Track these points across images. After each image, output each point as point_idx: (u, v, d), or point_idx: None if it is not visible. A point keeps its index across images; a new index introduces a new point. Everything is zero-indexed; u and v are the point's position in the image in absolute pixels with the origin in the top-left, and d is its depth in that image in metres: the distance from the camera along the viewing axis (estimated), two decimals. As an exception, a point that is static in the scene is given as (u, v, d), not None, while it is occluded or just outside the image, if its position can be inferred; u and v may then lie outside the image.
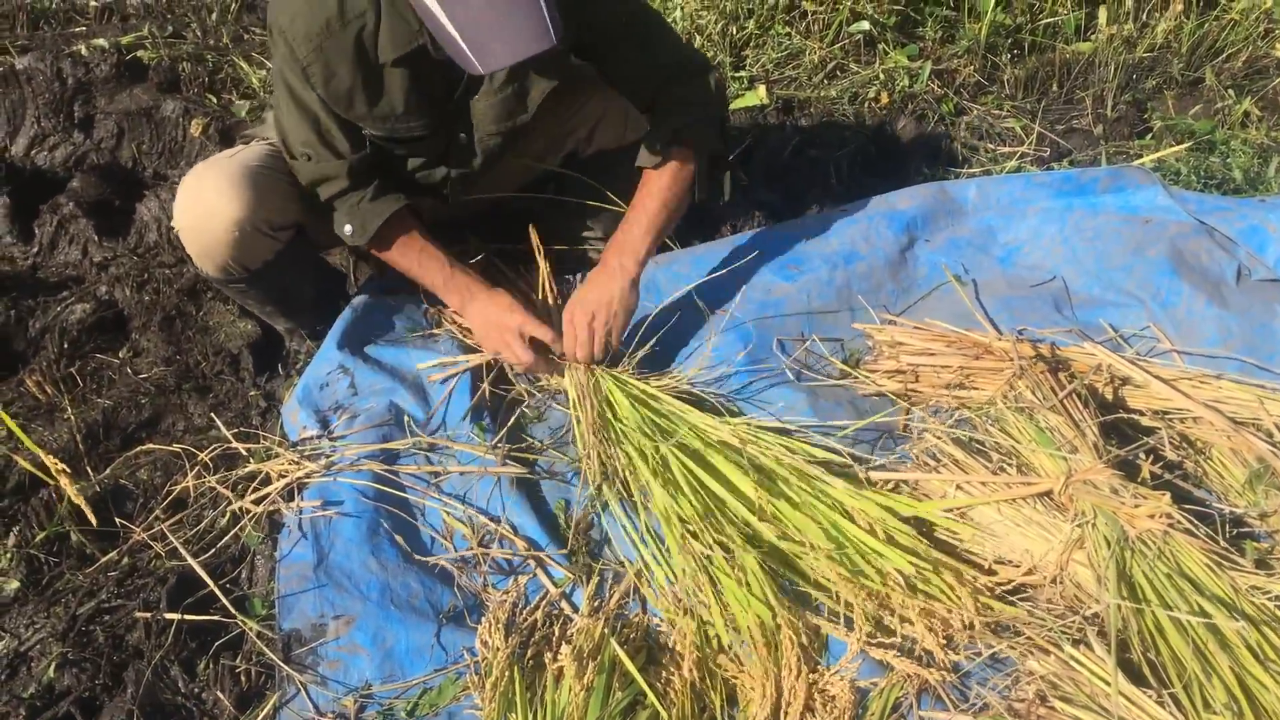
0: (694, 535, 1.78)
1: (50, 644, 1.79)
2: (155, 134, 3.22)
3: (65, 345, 2.45)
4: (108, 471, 2.13)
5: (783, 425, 2.05)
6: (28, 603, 1.87)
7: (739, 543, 1.75)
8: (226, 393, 2.35)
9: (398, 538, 1.92)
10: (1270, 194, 2.60)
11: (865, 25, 3.45)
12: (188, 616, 1.81)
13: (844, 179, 3.00)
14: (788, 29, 3.53)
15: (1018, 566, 1.75)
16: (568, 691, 1.60)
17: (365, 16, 1.91)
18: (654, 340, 2.24)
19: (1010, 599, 1.70)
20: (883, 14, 3.48)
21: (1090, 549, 1.66)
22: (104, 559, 1.94)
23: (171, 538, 1.94)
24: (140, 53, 3.51)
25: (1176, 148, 2.81)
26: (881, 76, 3.33)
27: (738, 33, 3.54)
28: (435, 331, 2.39)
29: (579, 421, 2.07)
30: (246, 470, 2.06)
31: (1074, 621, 1.60)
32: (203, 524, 1.99)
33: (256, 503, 2.00)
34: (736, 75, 3.41)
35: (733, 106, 3.24)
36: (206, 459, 2.09)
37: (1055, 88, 3.30)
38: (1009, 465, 1.86)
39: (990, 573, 1.76)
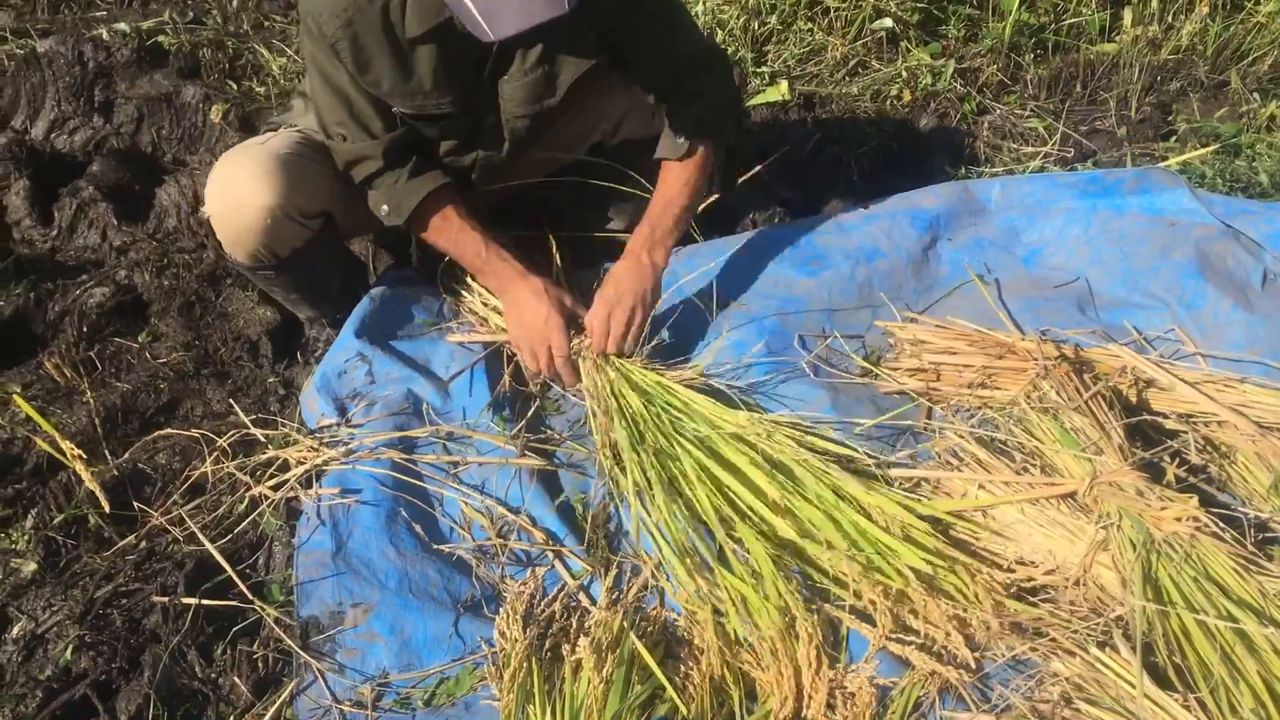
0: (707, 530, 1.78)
1: (67, 627, 1.79)
2: (175, 119, 3.22)
3: (84, 329, 2.45)
4: (126, 456, 2.13)
5: (797, 421, 2.02)
6: (45, 585, 1.87)
7: (750, 537, 1.74)
8: (245, 379, 2.35)
9: (416, 526, 1.92)
10: (1297, 198, 2.58)
11: (888, 23, 3.43)
12: (205, 601, 1.81)
13: (865, 176, 2.98)
14: (810, 25, 3.52)
15: (1039, 566, 1.74)
16: (586, 683, 1.59)
17: None
18: (665, 331, 2.25)
19: (1032, 600, 1.69)
20: (905, 11, 3.46)
21: (1115, 551, 1.65)
22: (122, 543, 1.94)
23: (190, 522, 1.94)
24: (161, 38, 3.52)
25: (1202, 150, 2.79)
26: (904, 74, 3.31)
27: (759, 28, 3.52)
28: (453, 324, 2.38)
29: (594, 414, 2.06)
30: (265, 456, 2.06)
31: (1098, 623, 1.59)
32: (221, 510, 1.99)
33: (275, 489, 2.00)
34: (758, 71, 3.40)
35: (754, 102, 3.23)
36: (225, 445, 2.09)
37: (1079, 88, 3.27)
38: (1032, 466, 1.85)
39: (1010, 572, 1.75)
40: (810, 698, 1.54)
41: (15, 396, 2.11)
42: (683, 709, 1.56)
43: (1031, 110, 3.19)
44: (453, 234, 2.19)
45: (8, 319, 2.47)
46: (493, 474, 2.03)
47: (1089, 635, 1.57)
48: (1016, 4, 3.37)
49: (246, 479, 2.02)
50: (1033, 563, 1.76)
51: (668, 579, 1.77)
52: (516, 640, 1.67)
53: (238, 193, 2.08)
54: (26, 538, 1.95)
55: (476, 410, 2.14)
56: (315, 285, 2.37)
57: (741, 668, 1.64)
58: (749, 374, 2.21)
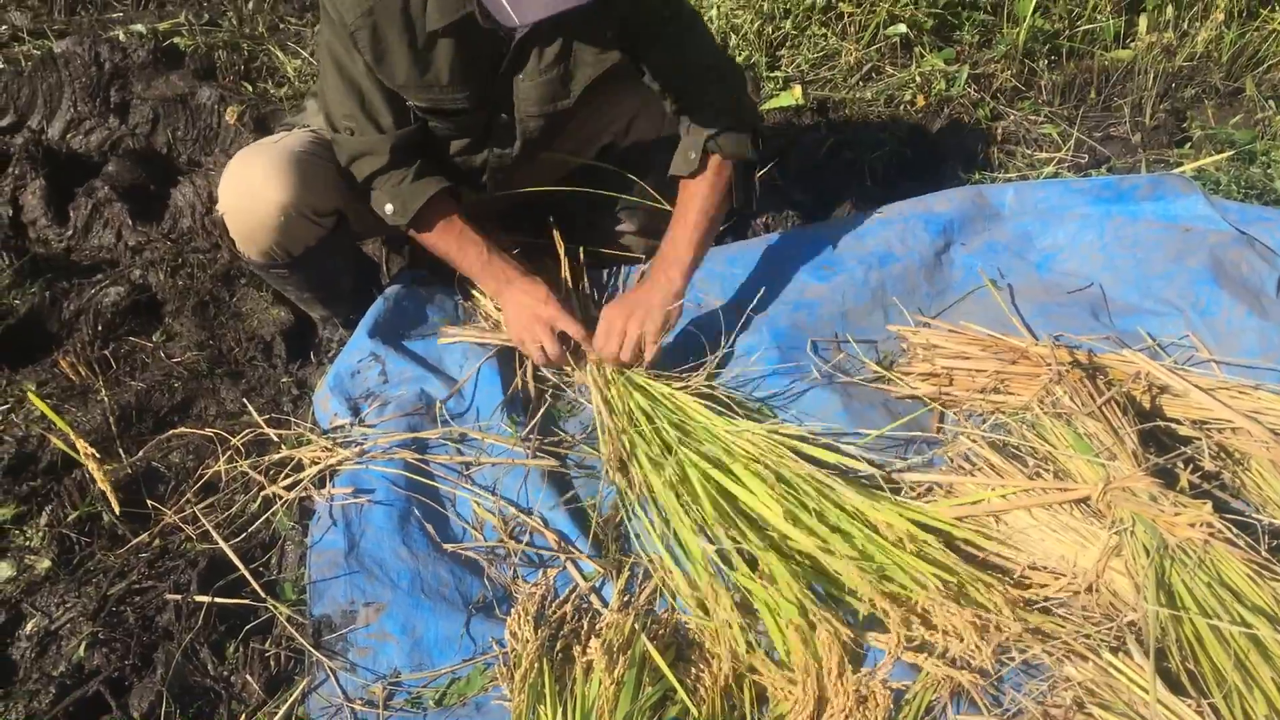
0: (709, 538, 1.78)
1: (81, 623, 1.80)
2: (190, 120, 3.23)
3: (99, 327, 2.46)
4: (140, 454, 2.13)
5: (802, 433, 2.01)
6: (59, 582, 1.87)
7: (756, 544, 1.74)
8: (259, 379, 2.36)
9: (428, 527, 1.92)
10: (1312, 206, 2.57)
11: (902, 28, 3.43)
12: (218, 600, 1.81)
13: (878, 181, 2.99)
14: (824, 30, 3.52)
15: (1052, 573, 1.73)
16: (597, 685, 1.59)
17: None
18: (673, 336, 2.26)
19: (1045, 605, 1.68)
20: (919, 17, 3.46)
21: (1128, 557, 1.64)
22: (135, 540, 1.94)
23: (203, 521, 1.95)
24: (177, 39, 3.54)
25: (1217, 157, 2.79)
26: (918, 79, 3.31)
27: (773, 32, 3.53)
28: (449, 328, 2.38)
29: (601, 421, 2.07)
30: (278, 456, 2.07)
31: (1111, 629, 1.59)
32: (234, 508, 2.00)
33: (288, 489, 2.00)
34: (772, 75, 3.40)
35: (768, 106, 3.23)
36: (238, 444, 2.10)
37: (1093, 95, 3.27)
38: (1045, 471, 1.84)
39: (1022, 582, 1.74)
40: (835, 697, 1.54)
41: (30, 394, 2.12)
42: (694, 711, 1.57)
43: (1046, 116, 3.18)
44: (455, 238, 2.20)
45: (23, 318, 2.48)
46: (505, 475, 2.03)
47: (1102, 640, 1.56)
48: (1031, 10, 3.37)
49: (260, 478, 2.03)
50: (1045, 568, 1.76)
51: (683, 573, 1.77)
52: (528, 641, 1.67)
53: (251, 191, 2.09)
54: (41, 535, 1.96)
55: (489, 411, 2.14)
56: (328, 284, 2.38)
57: (754, 675, 1.64)
58: (761, 379, 2.21)
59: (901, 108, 3.25)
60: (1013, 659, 1.59)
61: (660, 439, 1.96)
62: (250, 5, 3.87)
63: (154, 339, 2.47)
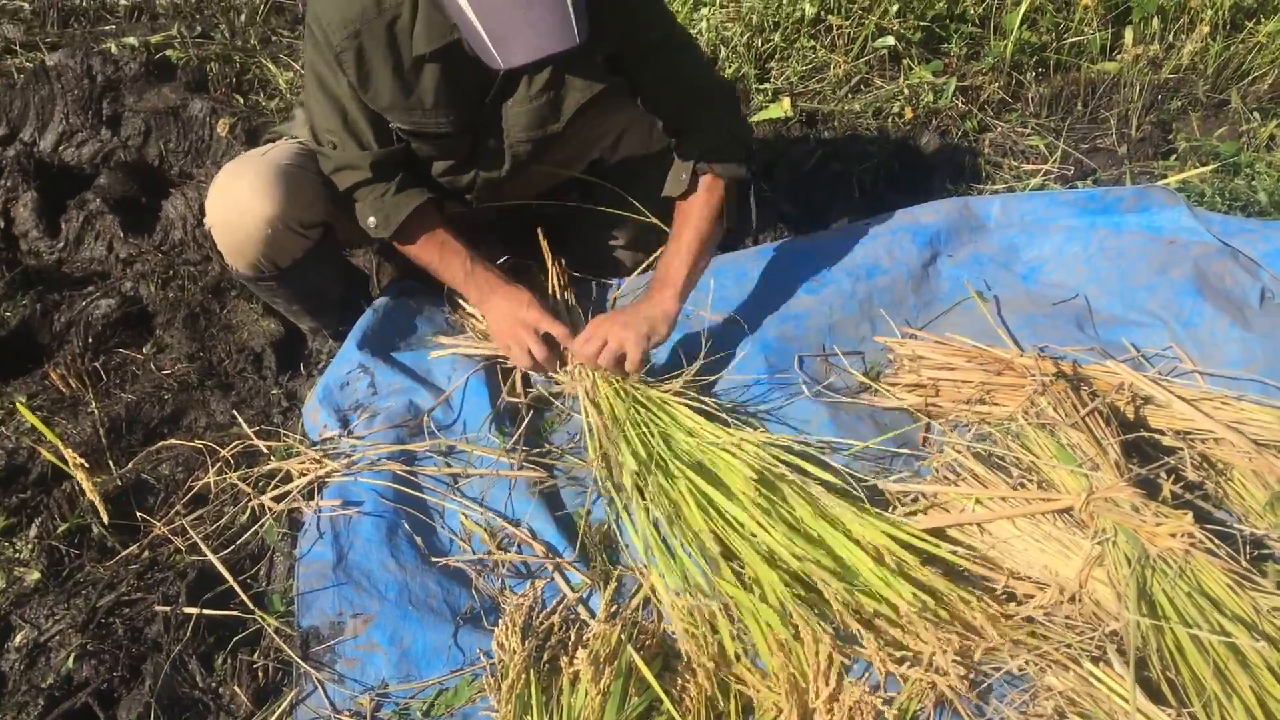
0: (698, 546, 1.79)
1: (70, 635, 1.81)
2: (182, 132, 3.24)
3: (90, 340, 2.47)
4: (130, 465, 2.15)
5: (789, 442, 2.02)
6: (48, 594, 1.88)
7: (740, 549, 1.76)
8: (248, 390, 2.37)
9: (416, 539, 1.93)
10: (1295, 217, 2.59)
11: (890, 40, 3.45)
12: (207, 611, 1.83)
13: (867, 193, 3.00)
14: (813, 42, 3.53)
15: (1035, 583, 1.75)
16: (584, 695, 1.60)
17: (401, 7, 1.92)
18: (669, 346, 2.27)
19: (1029, 616, 1.69)
20: (907, 30, 3.48)
21: (1110, 566, 1.66)
22: (124, 552, 1.96)
23: (192, 533, 1.96)
24: (169, 52, 3.55)
25: (1201, 169, 2.81)
26: (906, 92, 3.33)
27: (763, 45, 3.54)
28: (443, 338, 2.40)
29: (589, 428, 2.08)
30: (268, 468, 2.08)
31: (1093, 638, 1.60)
32: (223, 520, 2.01)
33: (277, 500, 2.02)
34: (761, 87, 3.42)
35: (757, 119, 3.25)
36: (228, 456, 2.11)
37: (1080, 107, 3.29)
38: (1029, 481, 1.86)
39: (1007, 591, 1.76)
40: (817, 712, 1.55)
41: (19, 405, 2.13)
42: (679, 721, 1.58)
43: (1033, 128, 3.20)
44: (437, 249, 2.20)
45: (14, 329, 2.49)
46: (493, 486, 2.04)
47: (1083, 650, 1.58)
48: (1018, 23, 3.39)
49: (249, 490, 2.04)
50: (1029, 578, 1.77)
51: (672, 580, 1.78)
52: (515, 652, 1.68)
53: (238, 204, 2.10)
54: (30, 547, 1.97)
55: (477, 423, 2.15)
56: (316, 296, 2.39)
57: (739, 685, 1.65)
58: (750, 390, 2.23)
59: (890, 120, 3.26)
60: (997, 669, 1.60)
61: (645, 445, 1.97)
62: (242, 18, 3.89)
63: (144, 351, 2.48)
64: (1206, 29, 3.35)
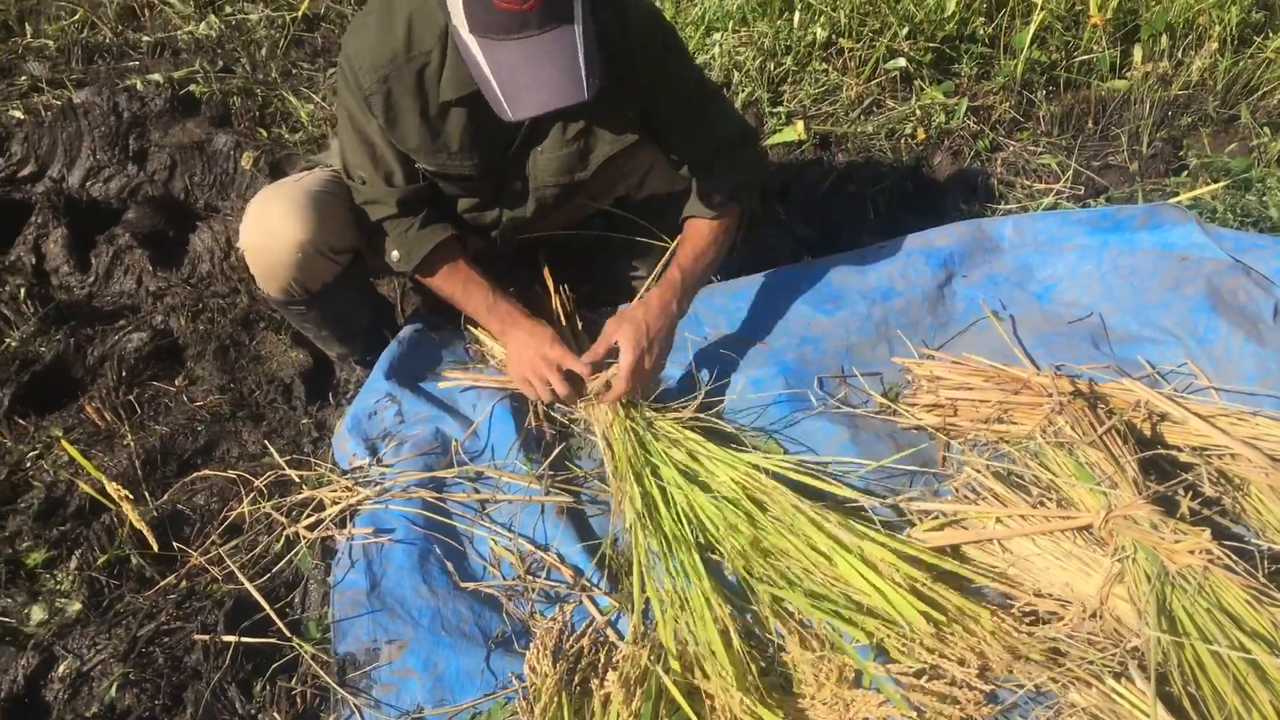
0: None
1: (112, 664, 1.85)
2: (207, 166, 3.31)
3: (123, 373, 2.52)
4: (165, 497, 2.20)
5: (795, 466, 2.07)
6: (90, 624, 1.92)
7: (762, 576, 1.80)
8: (279, 421, 2.42)
9: (447, 564, 1.97)
10: (1306, 232, 2.62)
11: (901, 62, 3.50)
12: (245, 639, 1.87)
13: (881, 214, 3.04)
14: (825, 65, 3.59)
15: (1057, 600, 1.78)
16: (615, 717, 1.63)
17: (430, 54, 1.98)
18: (679, 370, 2.31)
19: (1050, 633, 1.73)
20: (918, 51, 3.53)
21: (1130, 583, 1.69)
22: (163, 582, 2.00)
23: (228, 562, 2.00)
24: (193, 87, 3.61)
25: (1213, 186, 2.84)
26: (918, 113, 3.38)
27: (775, 69, 3.59)
28: (479, 366, 2.45)
29: (608, 457, 2.12)
30: (300, 497, 2.13)
31: (1114, 654, 1.63)
32: (258, 549, 2.05)
33: (310, 529, 2.06)
34: (774, 111, 3.47)
35: (770, 142, 3.30)
36: (261, 485, 2.16)
37: (1091, 125, 3.32)
38: (1048, 499, 1.89)
39: (1030, 612, 1.79)
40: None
41: (61, 442, 2.18)
42: (710, 742, 1.61)
43: (1044, 147, 3.24)
44: (460, 282, 2.26)
45: (49, 364, 2.54)
46: (521, 512, 2.09)
47: (1105, 666, 1.61)
48: (1028, 42, 3.43)
49: (282, 519, 2.09)
50: (1050, 595, 1.80)
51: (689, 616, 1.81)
52: (547, 675, 1.72)
53: (271, 228, 2.16)
54: (71, 578, 2.02)
55: (504, 450, 2.19)
56: (344, 321, 2.44)
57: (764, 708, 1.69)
58: (769, 412, 2.27)
59: (902, 141, 3.31)
60: (1021, 686, 1.63)
61: (656, 479, 2.02)
62: (263, 52, 3.96)
63: (176, 383, 2.54)
64: (1215, 45, 3.39)
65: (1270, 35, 3.55)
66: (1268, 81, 3.35)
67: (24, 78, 3.84)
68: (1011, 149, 3.24)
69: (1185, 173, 3.05)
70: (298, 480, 2.19)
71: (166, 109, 3.42)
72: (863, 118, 3.43)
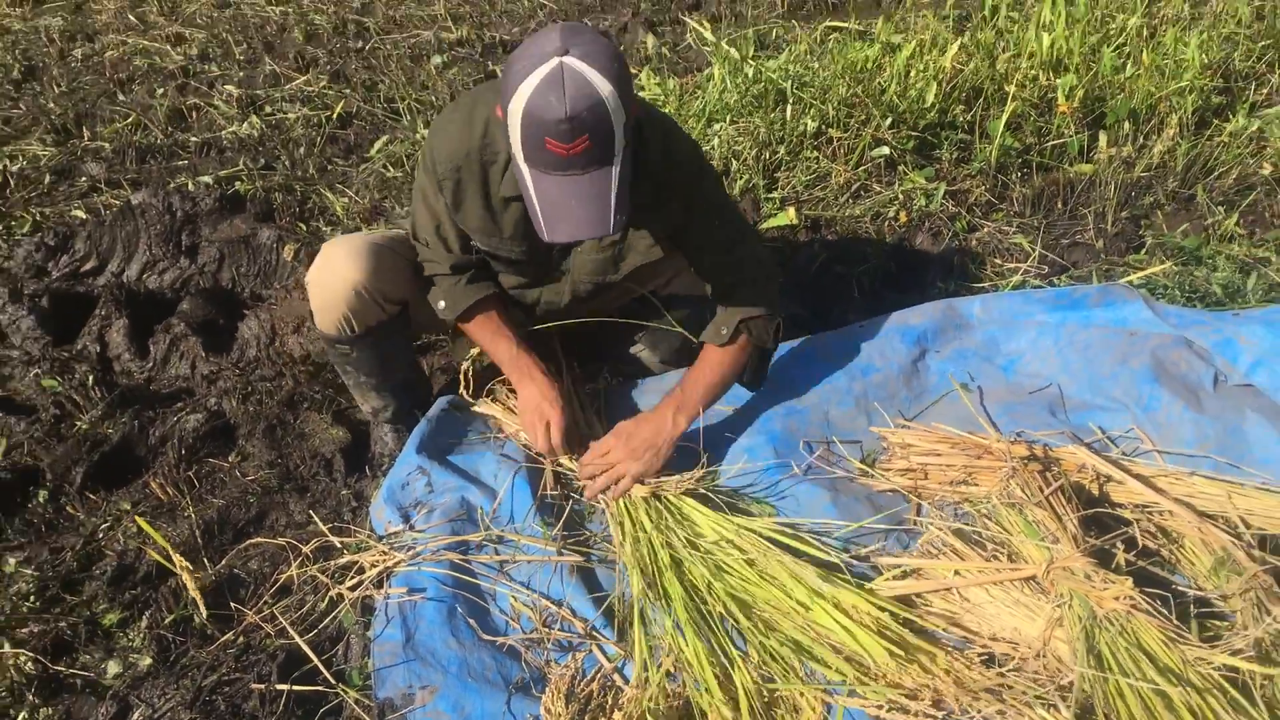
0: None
1: (180, 712, 2.10)
2: (252, 258, 3.63)
3: (182, 451, 2.81)
4: (223, 562, 2.47)
5: (784, 529, 2.33)
6: (159, 676, 2.18)
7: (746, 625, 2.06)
8: (322, 492, 2.70)
9: (471, 621, 2.23)
10: (1247, 307, 2.87)
11: (886, 150, 3.80)
12: (296, 687, 2.12)
13: (866, 293, 3.32)
14: (816, 153, 3.89)
15: (1009, 643, 2.02)
16: (620, 751, 1.89)
17: (499, 155, 2.28)
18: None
19: (998, 671, 1.97)
20: (901, 139, 3.83)
21: (1067, 626, 1.93)
22: (223, 638, 2.26)
23: (281, 619, 2.27)
24: (238, 185, 3.95)
25: (1160, 267, 3.09)
26: (900, 197, 3.66)
27: (770, 157, 3.90)
28: (500, 436, 2.73)
29: (614, 529, 2.41)
30: (343, 561, 2.40)
31: (1051, 689, 1.87)
32: (305, 607, 2.32)
33: (352, 589, 2.32)
34: (770, 196, 3.77)
35: (766, 226, 3.59)
36: (307, 551, 2.43)
37: (1060, 205, 3.60)
38: (1000, 554, 2.14)
39: (985, 654, 2.03)
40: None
41: (138, 519, 2.47)
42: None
43: (1017, 227, 3.52)
44: (490, 333, 2.56)
45: (116, 444, 2.84)
46: (538, 571, 2.35)
47: (1040, 699, 1.85)
48: (1001, 129, 3.73)
49: (327, 580, 2.36)
50: (1004, 639, 2.04)
51: (686, 665, 2.06)
52: (560, 715, 1.97)
53: (332, 267, 2.49)
54: (141, 636, 2.28)
55: (522, 514, 2.46)
56: (383, 370, 2.72)
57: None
58: (759, 477, 2.53)
59: (886, 223, 3.59)
60: (970, 717, 1.87)
61: (654, 551, 2.29)
62: (301, 150, 4.31)
63: (230, 460, 2.83)
64: (1173, 130, 3.67)
65: (1230, 117, 3.84)
66: (1223, 163, 3.62)
67: (84, 179, 4.21)
68: (986, 229, 3.51)
69: (1144, 250, 3.31)
70: (339, 546, 2.46)
71: (215, 207, 3.76)
72: (850, 202, 3.72)
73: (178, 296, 3.53)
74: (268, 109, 4.84)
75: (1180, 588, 2.13)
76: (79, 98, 5.19)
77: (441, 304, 2.51)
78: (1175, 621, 1.89)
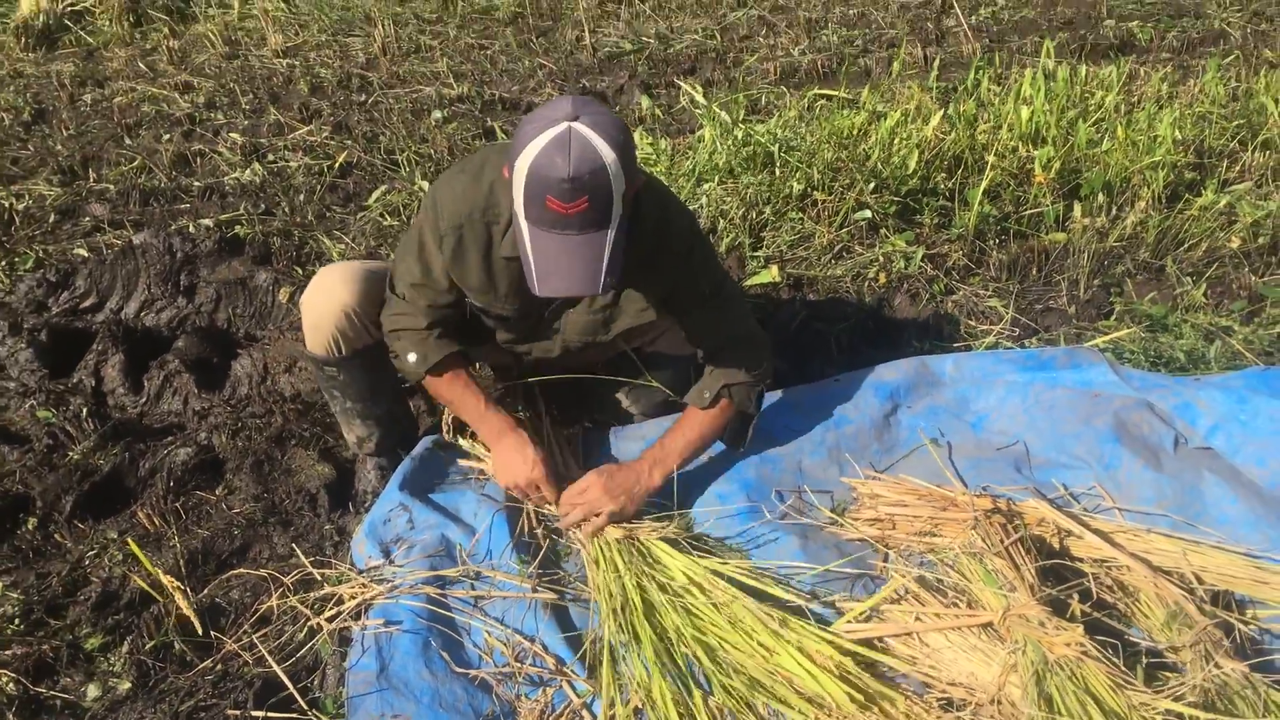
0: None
1: (156, 737, 2.16)
2: (248, 300, 3.72)
3: (171, 483, 2.88)
4: (205, 591, 2.53)
5: (748, 572, 2.40)
6: (138, 700, 2.23)
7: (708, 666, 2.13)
8: (305, 526, 2.76)
9: (444, 654, 2.28)
10: (1207, 373, 2.96)
11: (868, 214, 3.92)
12: (271, 715, 2.17)
13: (844, 349, 3.41)
14: (800, 215, 4.01)
15: (966, 688, 2.09)
16: (584, 782, 1.94)
17: (502, 216, 2.37)
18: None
19: (957, 716, 2.03)
20: (884, 204, 3.95)
21: (1021, 671, 2.00)
22: (201, 665, 2.31)
23: (259, 647, 2.33)
24: (238, 228, 4.06)
25: (1126, 332, 3.20)
26: (881, 258, 3.77)
27: (756, 218, 4.02)
28: (481, 477, 2.80)
29: (590, 566, 2.47)
30: (322, 593, 2.46)
31: (1003, 732, 1.94)
32: (284, 637, 2.37)
33: (330, 620, 2.38)
34: (754, 255, 3.88)
35: (749, 283, 3.70)
36: (289, 583, 2.49)
37: (1035, 272, 3.71)
38: (960, 601, 2.21)
39: (944, 700, 2.10)
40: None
41: (129, 541, 2.53)
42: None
43: (992, 291, 3.62)
44: (460, 390, 2.62)
45: (106, 475, 2.90)
46: (512, 606, 2.41)
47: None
48: (980, 196, 3.85)
49: (307, 611, 2.41)
50: (961, 684, 2.11)
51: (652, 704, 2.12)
52: (529, 747, 2.03)
53: (325, 288, 2.58)
54: (122, 661, 2.33)
55: (499, 552, 2.53)
56: (370, 396, 2.79)
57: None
58: (731, 523, 2.60)
59: (866, 284, 3.69)
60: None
61: (635, 589, 2.35)
62: (301, 197, 4.43)
63: (217, 493, 2.89)
64: (1144, 204, 3.79)
65: (1201, 193, 3.97)
66: (1193, 236, 3.74)
67: (87, 218, 4.32)
68: (963, 292, 3.62)
69: (1113, 316, 3.42)
70: (320, 578, 2.52)
71: (214, 249, 3.86)
72: (832, 262, 3.83)
73: (174, 334, 3.62)
74: (270, 157, 4.97)
75: (1134, 639, 2.19)
76: (86, 141, 5.33)
77: (412, 356, 2.54)
78: (1123, 668, 1.96)
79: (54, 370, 3.41)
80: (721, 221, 4.01)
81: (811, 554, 2.50)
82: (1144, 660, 2.09)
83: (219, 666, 2.32)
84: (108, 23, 7.51)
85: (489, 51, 6.79)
